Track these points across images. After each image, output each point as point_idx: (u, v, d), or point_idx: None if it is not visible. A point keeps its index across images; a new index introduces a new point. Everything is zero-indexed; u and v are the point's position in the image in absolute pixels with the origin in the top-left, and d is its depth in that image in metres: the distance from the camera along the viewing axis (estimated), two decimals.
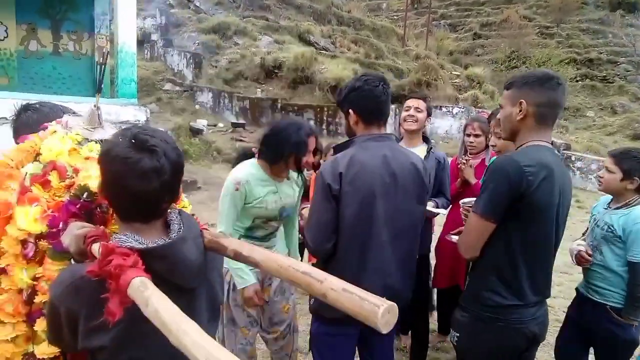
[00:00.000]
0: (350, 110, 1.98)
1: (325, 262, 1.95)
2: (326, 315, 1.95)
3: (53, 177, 1.29)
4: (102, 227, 1.20)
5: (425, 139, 3.00)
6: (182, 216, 1.21)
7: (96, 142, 1.41)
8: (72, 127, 1.44)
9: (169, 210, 1.19)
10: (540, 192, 1.64)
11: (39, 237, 1.23)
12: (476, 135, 3.15)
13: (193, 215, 1.64)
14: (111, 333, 1.04)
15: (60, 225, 1.21)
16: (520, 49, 19.42)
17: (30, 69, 9.01)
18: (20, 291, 1.25)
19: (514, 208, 1.64)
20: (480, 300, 1.75)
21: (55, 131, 1.41)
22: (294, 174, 2.49)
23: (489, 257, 1.73)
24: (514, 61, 19.03)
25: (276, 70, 13.34)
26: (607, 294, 2.27)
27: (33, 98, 7.22)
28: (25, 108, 1.72)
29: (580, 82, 18.16)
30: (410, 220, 1.98)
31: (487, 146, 3.18)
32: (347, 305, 0.89)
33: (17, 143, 1.61)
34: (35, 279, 1.24)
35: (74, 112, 1.69)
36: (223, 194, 2.28)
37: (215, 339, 1.31)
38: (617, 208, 2.30)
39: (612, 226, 2.26)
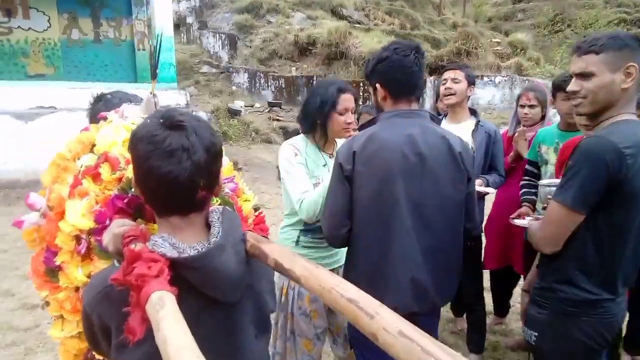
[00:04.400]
0: (377, 84, 1.77)
1: (348, 260, 1.83)
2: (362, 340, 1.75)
3: (104, 170, 1.21)
4: (142, 225, 1.10)
5: (473, 112, 2.82)
6: (224, 217, 1.08)
7: None
8: (127, 116, 1.40)
9: (211, 209, 1.08)
10: (638, 176, 1.44)
11: (90, 232, 1.18)
12: (531, 106, 2.98)
13: (258, 210, 1.51)
14: (143, 348, 0.90)
15: (107, 222, 1.14)
16: (565, 11, 18.33)
17: (74, 57, 9.32)
18: (77, 289, 1.21)
19: (607, 196, 1.46)
20: (561, 295, 1.58)
21: (111, 121, 1.37)
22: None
23: (572, 249, 1.54)
24: (558, 24, 18.00)
25: (310, 47, 13.20)
26: None
27: (77, 86, 7.46)
28: (98, 99, 1.72)
29: None
30: (443, 208, 1.73)
31: (543, 117, 3.02)
32: (402, 355, 0.70)
33: None
34: (90, 276, 1.19)
35: (142, 100, 1.64)
36: (284, 165, 2.10)
37: (268, 355, 1.22)
38: None
39: None
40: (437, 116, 1.89)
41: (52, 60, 9.09)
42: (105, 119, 1.42)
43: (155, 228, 1.14)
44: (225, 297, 1.02)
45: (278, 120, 11.12)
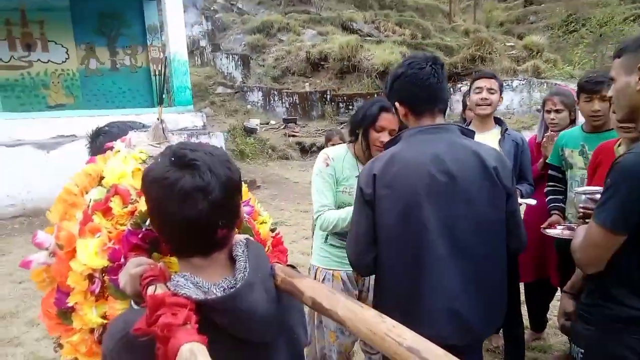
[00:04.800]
0: (397, 102, 1.68)
1: (377, 285, 1.73)
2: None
3: (115, 203, 1.13)
4: (160, 263, 1.03)
5: (498, 121, 2.75)
6: (249, 249, 1.01)
7: None
8: (135, 144, 1.31)
9: (234, 241, 1.01)
10: None
11: (104, 271, 1.11)
12: (557, 111, 2.88)
13: (275, 231, 1.43)
14: None
15: (122, 260, 1.08)
16: (578, 10, 18.07)
17: (93, 86, 9.54)
18: (92, 331, 1.14)
19: None
20: (607, 312, 1.51)
21: (119, 151, 1.29)
22: None
23: (617, 269, 1.47)
24: (573, 24, 17.74)
25: (322, 62, 13.28)
26: None
27: (97, 114, 7.61)
28: (97, 133, 1.66)
29: None
30: (480, 229, 1.58)
31: (572, 122, 2.91)
32: None
33: None
34: (105, 316, 1.11)
35: (143, 126, 1.60)
36: (314, 173, 2.21)
37: None
38: None
39: None
40: (469, 129, 1.76)
41: (71, 90, 9.32)
42: (111, 149, 1.36)
43: (173, 262, 1.09)
44: (256, 339, 0.95)
45: (294, 136, 11.14)
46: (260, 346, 0.97)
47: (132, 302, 1.01)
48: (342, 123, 11.41)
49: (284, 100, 12.88)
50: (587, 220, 2.04)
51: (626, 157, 1.42)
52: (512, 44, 14.34)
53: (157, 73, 8.78)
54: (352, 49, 12.20)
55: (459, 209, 1.57)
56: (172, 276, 0.94)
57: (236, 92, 14.31)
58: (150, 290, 0.92)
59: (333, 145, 4.28)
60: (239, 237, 1.05)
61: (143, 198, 1.11)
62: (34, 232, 1.27)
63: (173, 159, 0.91)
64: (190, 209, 0.88)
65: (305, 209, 6.81)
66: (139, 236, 1.09)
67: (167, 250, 1.11)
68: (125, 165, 1.23)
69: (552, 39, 16.64)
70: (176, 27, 7.29)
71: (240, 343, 0.92)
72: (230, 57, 14.91)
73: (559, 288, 2.89)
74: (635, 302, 1.45)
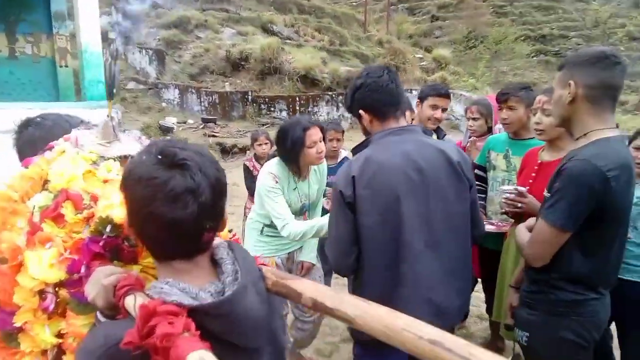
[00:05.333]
0: (361, 111, 1.78)
1: (355, 279, 1.77)
2: (361, 338, 1.79)
3: (67, 209, 1.04)
4: (134, 272, 0.97)
5: (437, 129, 2.98)
6: (235, 252, 0.98)
7: (114, 160, 1.18)
8: (83, 144, 1.21)
9: (215, 244, 0.98)
10: (621, 196, 1.54)
11: (59, 285, 1.02)
12: (474, 119, 3.21)
13: (232, 231, 1.35)
14: None
15: (83, 270, 0.99)
16: (477, 28, 19.84)
17: None
18: (44, 352, 1.05)
19: (593, 214, 1.53)
20: (552, 297, 1.66)
21: (64, 151, 1.17)
22: (316, 168, 2.64)
23: (560, 260, 1.62)
24: (472, 41, 19.42)
25: (243, 63, 13.15)
26: (636, 269, 2.20)
27: None
28: (26, 124, 1.50)
29: (535, 58, 18.77)
30: (451, 222, 1.71)
31: (489, 129, 3.24)
32: None
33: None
34: (60, 335, 1.03)
35: (81, 122, 1.46)
36: (265, 190, 2.38)
37: None
38: None
39: None
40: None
41: None
42: (50, 149, 1.22)
43: (134, 269, 1.04)
44: (249, 343, 0.92)
45: (214, 136, 10.91)
46: (249, 351, 0.94)
47: (99, 316, 0.94)
48: (264, 124, 11.41)
49: (202, 99, 12.55)
50: (510, 216, 2.31)
51: (573, 163, 1.57)
52: (421, 55, 15.34)
53: (64, 64, 8.12)
54: (274, 51, 12.26)
55: (433, 204, 1.68)
56: (153, 283, 0.91)
57: (150, 89, 13.63)
58: (130, 300, 0.86)
59: (260, 145, 4.32)
60: (218, 240, 1.01)
61: (100, 202, 1.07)
62: None
63: (160, 157, 0.86)
64: (180, 210, 0.84)
65: (231, 211, 6.73)
66: (100, 244, 1.02)
67: (128, 256, 1.05)
68: (75, 167, 1.13)
69: (455, 53, 18.04)
70: (88, 14, 6.80)
71: (230, 349, 0.88)
72: (144, 51, 14.20)
73: (479, 279, 3.18)
74: (576, 288, 1.64)
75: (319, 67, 12.07)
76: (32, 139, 1.42)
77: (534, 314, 1.73)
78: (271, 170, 2.46)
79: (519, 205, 2.11)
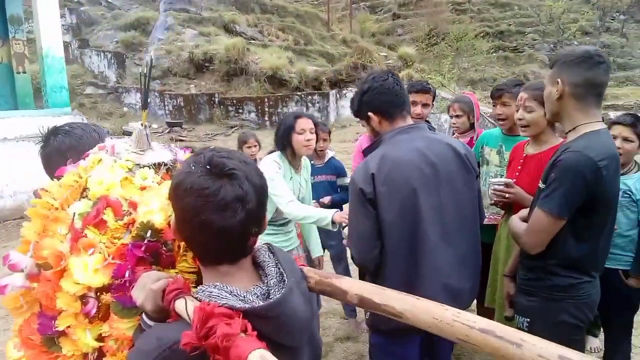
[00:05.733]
0: (370, 113, 1.87)
1: (375, 271, 1.83)
2: (382, 328, 1.87)
3: (108, 216, 1.08)
4: (179, 276, 1.02)
5: (427, 122, 3.00)
6: (277, 255, 1.02)
7: (150, 168, 1.21)
8: (119, 152, 1.25)
9: (256, 247, 1.02)
10: (610, 184, 1.64)
11: (100, 290, 1.05)
12: (457, 116, 3.23)
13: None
14: None
15: (127, 275, 1.03)
16: (438, 26, 20.22)
17: None
18: (85, 355, 1.07)
19: (586, 202, 1.63)
20: (549, 283, 1.75)
21: (100, 159, 1.20)
22: (305, 165, 2.84)
23: (555, 247, 1.71)
24: (434, 38, 19.76)
25: (207, 64, 12.88)
26: (618, 257, 2.32)
27: None
28: (55, 132, 1.51)
29: (494, 54, 19.32)
30: (462, 211, 1.82)
31: (471, 125, 3.27)
32: None
33: (51, 174, 1.43)
34: (100, 338, 1.05)
35: (107, 132, 1.57)
36: (270, 176, 2.44)
37: None
38: (627, 172, 2.38)
39: (630, 191, 2.32)
40: (432, 126, 1.98)
41: None
42: (84, 158, 1.25)
43: (172, 273, 1.06)
44: (295, 342, 0.95)
45: (181, 140, 10.62)
46: (293, 350, 0.97)
47: (146, 319, 0.97)
48: (232, 127, 11.20)
49: (166, 103, 12.19)
50: (498, 206, 2.39)
51: (567, 155, 1.66)
52: (385, 54, 15.48)
53: (22, 70, 7.68)
54: (239, 52, 12.06)
55: (445, 196, 1.77)
56: (200, 287, 0.93)
57: (110, 93, 13.15)
58: (180, 303, 0.89)
59: (249, 147, 4.17)
60: (258, 244, 1.05)
61: (140, 209, 1.09)
62: (6, 253, 1.12)
63: (209, 167, 0.89)
64: (230, 218, 0.87)
65: None
66: (142, 249, 1.05)
67: (166, 261, 1.08)
68: (113, 175, 1.15)
69: (417, 51, 18.32)
70: (48, 17, 6.44)
71: (276, 348, 0.91)
72: (102, 54, 13.67)
73: None
74: (570, 273, 1.74)
75: (286, 67, 11.97)
76: (61, 147, 1.45)
77: (533, 300, 1.81)
78: (274, 159, 2.67)
79: (507, 195, 2.20)
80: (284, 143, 2.64)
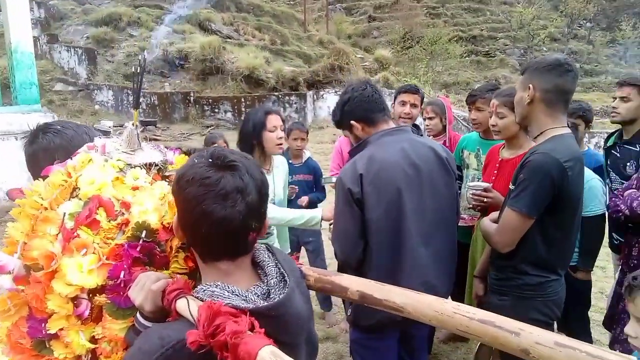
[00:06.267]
0: (352, 122, 1.94)
1: (358, 267, 1.88)
2: (363, 323, 1.92)
3: (101, 216, 1.07)
4: (179, 276, 1.03)
5: (416, 127, 3.01)
6: (276, 255, 1.03)
7: (141, 168, 1.21)
8: (109, 151, 1.24)
9: (255, 246, 1.04)
10: (574, 185, 1.73)
11: (93, 291, 1.04)
12: (430, 118, 3.31)
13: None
14: None
15: (122, 275, 1.02)
16: (413, 29, 20.49)
17: None
18: (78, 358, 1.06)
19: (553, 202, 1.72)
20: (519, 282, 1.82)
21: (90, 159, 1.18)
22: (278, 163, 2.68)
23: (524, 246, 1.79)
24: (409, 42, 20.02)
25: (182, 62, 12.67)
26: None
27: None
28: (44, 130, 1.44)
29: (467, 58, 19.71)
30: (441, 211, 1.91)
31: (443, 127, 3.35)
32: None
33: (35, 173, 1.39)
34: (93, 340, 1.04)
35: (101, 133, 1.52)
36: None
37: None
38: None
39: None
40: (416, 128, 2.05)
41: None
42: (71, 158, 1.23)
43: (165, 274, 1.06)
44: (295, 340, 0.97)
45: (156, 139, 10.40)
46: (292, 347, 0.97)
47: (141, 319, 0.97)
48: (208, 126, 11.06)
49: (139, 101, 11.93)
50: (477, 209, 2.47)
51: (535, 157, 1.74)
52: (361, 56, 15.59)
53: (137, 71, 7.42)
54: (215, 50, 11.91)
55: (427, 197, 1.85)
56: (201, 286, 0.94)
57: (80, 90, 12.77)
58: (182, 303, 0.90)
59: None
60: (258, 244, 1.06)
61: (134, 208, 1.08)
62: None
63: (211, 160, 0.92)
64: (229, 208, 0.89)
65: None
66: (138, 249, 1.05)
67: (160, 262, 1.08)
68: (105, 174, 1.14)
69: (393, 53, 18.52)
70: (17, 10, 6.22)
71: (277, 346, 0.94)
72: (72, 50, 13.26)
73: None
74: (539, 272, 1.82)
75: (263, 67, 11.90)
76: (49, 147, 1.41)
77: (504, 299, 1.89)
78: None
79: (485, 200, 2.27)
80: (253, 142, 2.47)
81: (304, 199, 3.45)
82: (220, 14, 15.94)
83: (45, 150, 1.39)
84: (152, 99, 11.82)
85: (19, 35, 6.30)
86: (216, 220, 0.89)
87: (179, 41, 13.23)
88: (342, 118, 1.99)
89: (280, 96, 11.57)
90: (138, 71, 1.27)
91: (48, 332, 1.02)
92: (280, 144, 2.51)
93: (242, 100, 11.34)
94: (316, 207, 3.73)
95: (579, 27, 21.41)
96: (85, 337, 1.03)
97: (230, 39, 14.14)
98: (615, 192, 2.62)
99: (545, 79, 1.76)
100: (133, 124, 1.25)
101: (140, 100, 11.86)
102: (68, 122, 1.54)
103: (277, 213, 2.34)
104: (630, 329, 1.43)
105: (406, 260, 1.82)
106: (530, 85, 1.77)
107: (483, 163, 2.86)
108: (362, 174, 1.78)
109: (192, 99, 11.60)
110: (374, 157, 1.82)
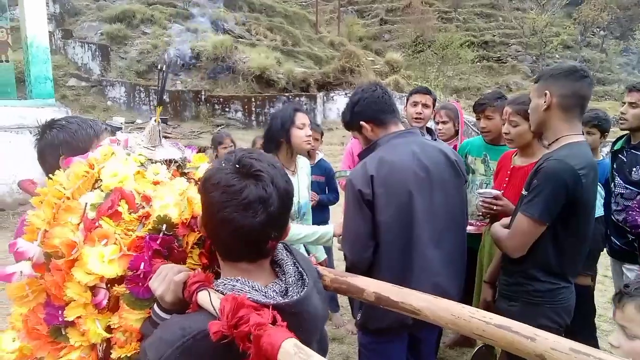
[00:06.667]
0: (362, 122, 1.95)
1: (368, 271, 1.85)
2: (370, 327, 1.92)
3: (123, 208, 1.10)
4: (200, 270, 1.06)
5: (429, 131, 3.02)
6: (295, 255, 1.05)
7: (162, 163, 1.24)
8: (131, 146, 1.27)
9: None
10: (588, 192, 1.73)
11: (111, 281, 1.06)
12: (443, 122, 3.30)
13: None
14: None
15: (142, 267, 1.04)
16: (424, 33, 20.47)
17: None
18: (93, 347, 1.07)
19: (565, 208, 1.71)
20: (529, 288, 1.82)
21: (113, 152, 1.22)
22: (302, 164, 2.64)
23: (535, 252, 1.78)
24: (420, 45, 20.01)
25: (194, 61, 12.74)
26: None
27: None
28: (50, 125, 1.50)
29: (479, 64, 19.65)
30: (452, 213, 1.91)
31: (456, 132, 3.34)
32: None
33: (44, 168, 1.45)
34: (108, 330, 1.06)
35: (105, 128, 1.57)
36: None
37: None
38: None
39: None
40: (424, 132, 2.05)
41: None
42: (89, 151, 1.26)
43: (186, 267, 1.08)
44: (309, 338, 0.98)
45: (166, 137, 10.44)
46: (304, 343, 0.99)
47: (158, 311, 1.00)
48: (218, 125, 11.11)
49: (151, 98, 12.01)
50: (486, 217, 2.45)
51: (549, 163, 1.74)
52: (372, 59, 15.59)
53: (4, 59, 7.47)
54: (227, 50, 11.97)
55: (437, 198, 1.85)
56: (221, 280, 0.96)
57: (93, 86, 12.88)
58: (204, 295, 0.92)
59: (225, 148, 4.13)
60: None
61: (155, 202, 1.11)
62: (11, 242, 1.11)
63: (238, 166, 0.92)
64: (250, 218, 0.90)
65: None
66: (158, 242, 1.07)
67: (178, 256, 1.10)
68: (127, 168, 1.17)
69: (404, 57, 18.51)
70: (34, 5, 6.29)
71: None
72: (86, 46, 13.39)
73: None
74: (549, 278, 1.81)
75: (274, 68, 11.93)
76: (54, 141, 1.45)
77: (513, 304, 1.88)
78: None
79: (495, 208, 2.24)
80: (280, 140, 2.42)
81: (314, 197, 3.45)
82: (232, 13, 16.02)
83: (50, 145, 1.44)
84: (164, 97, 11.90)
85: (35, 30, 6.37)
86: (235, 229, 0.90)
87: (191, 39, 13.31)
88: (351, 119, 1.99)
89: (290, 97, 11.60)
90: (163, 69, 1.29)
91: (65, 319, 1.04)
92: (309, 141, 2.48)
93: (253, 100, 11.37)
94: (327, 208, 3.73)
95: (593, 35, 21.26)
96: (102, 326, 1.05)
97: (242, 38, 14.20)
98: (631, 204, 2.59)
99: (562, 85, 1.76)
100: (156, 121, 1.28)
101: (152, 98, 11.98)
102: (74, 116, 1.59)
103: (290, 230, 2.34)
104: (613, 338, 1.39)
105: (416, 262, 1.81)
106: (547, 92, 1.77)
107: (491, 169, 2.86)
108: (373, 175, 1.78)
109: (203, 97, 11.66)
110: (384, 159, 1.82)
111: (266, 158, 0.97)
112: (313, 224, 3.57)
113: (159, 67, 1.36)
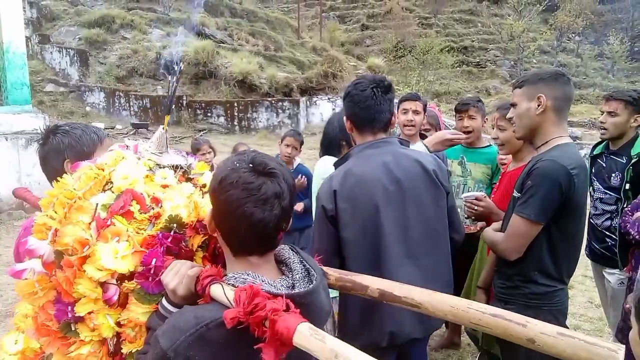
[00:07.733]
0: (344, 117, 1.89)
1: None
2: (358, 343, 1.83)
3: (135, 208, 1.15)
4: (211, 265, 1.11)
5: (422, 136, 3.02)
6: (301, 254, 1.11)
7: (169, 168, 1.29)
8: (140, 152, 1.33)
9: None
10: (580, 192, 1.74)
11: (122, 277, 1.09)
12: (426, 130, 3.34)
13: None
14: None
15: (153, 263, 1.09)
16: (405, 39, 20.72)
17: None
18: (103, 341, 1.10)
19: (560, 209, 1.72)
20: (526, 290, 1.81)
21: (123, 157, 1.27)
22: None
23: (531, 254, 1.78)
24: (401, 50, 20.25)
25: (175, 65, 12.63)
26: None
27: None
28: (54, 131, 1.51)
29: (458, 68, 19.97)
30: (429, 227, 1.79)
31: None
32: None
33: (48, 173, 1.48)
34: (118, 325, 1.09)
35: (107, 135, 1.61)
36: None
37: None
38: None
39: None
40: (404, 140, 1.98)
41: None
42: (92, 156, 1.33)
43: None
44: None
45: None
46: None
47: (166, 304, 1.04)
48: (200, 130, 11.03)
49: (131, 104, 11.89)
50: (471, 218, 2.48)
51: (542, 163, 1.75)
52: (354, 64, 15.68)
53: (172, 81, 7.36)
54: (209, 55, 11.92)
55: (411, 212, 1.75)
56: (232, 274, 1.01)
57: (72, 92, 12.69)
58: (217, 288, 0.98)
59: (203, 154, 4.07)
60: (282, 245, 1.14)
61: (166, 203, 1.18)
62: (23, 240, 1.17)
63: (252, 165, 1.00)
64: (268, 212, 0.98)
65: None
66: (169, 240, 1.12)
67: (186, 253, 1.15)
68: (138, 172, 1.23)
69: (385, 62, 18.68)
70: (10, 11, 6.17)
71: None
72: (64, 51, 13.19)
73: None
74: (546, 281, 1.81)
75: (257, 73, 11.92)
76: (59, 147, 1.47)
77: (510, 308, 1.80)
78: (330, 161, 2.30)
79: (475, 208, 2.27)
80: (341, 142, 2.38)
81: (299, 205, 3.46)
82: (214, 18, 15.96)
83: (55, 150, 1.46)
84: (144, 102, 11.78)
85: (11, 35, 6.25)
86: (255, 222, 0.97)
87: (171, 44, 13.20)
88: (344, 109, 1.92)
89: (273, 102, 11.59)
90: (173, 78, 1.36)
91: (76, 314, 1.06)
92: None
93: (235, 105, 11.34)
94: (310, 213, 3.74)
95: (568, 40, 21.84)
96: (112, 320, 1.08)
97: (223, 43, 14.15)
98: (625, 211, 2.59)
99: (554, 88, 1.79)
100: (164, 128, 1.32)
101: (132, 103, 11.84)
102: (77, 123, 1.62)
103: None
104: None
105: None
106: (542, 95, 1.78)
107: (468, 169, 2.94)
108: (336, 190, 1.70)
109: (184, 102, 11.58)
110: (350, 171, 1.74)
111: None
112: (299, 229, 3.61)
113: (169, 78, 1.39)
